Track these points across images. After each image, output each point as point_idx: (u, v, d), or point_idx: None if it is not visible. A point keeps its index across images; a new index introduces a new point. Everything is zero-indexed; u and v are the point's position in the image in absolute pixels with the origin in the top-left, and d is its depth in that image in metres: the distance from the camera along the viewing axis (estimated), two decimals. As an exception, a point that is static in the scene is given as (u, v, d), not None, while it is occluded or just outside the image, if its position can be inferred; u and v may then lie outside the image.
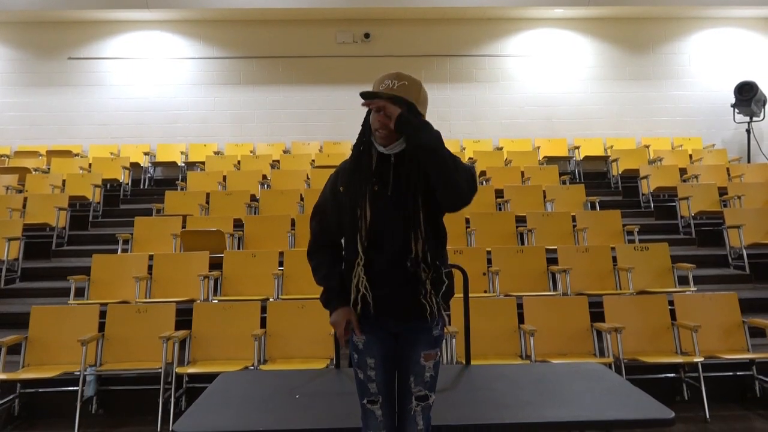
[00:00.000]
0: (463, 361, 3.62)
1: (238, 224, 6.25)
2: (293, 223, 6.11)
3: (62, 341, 4.20)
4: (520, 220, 6.27)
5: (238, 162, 8.56)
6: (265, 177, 7.89)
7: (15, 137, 9.32)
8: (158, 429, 3.85)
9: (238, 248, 5.95)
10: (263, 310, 4.37)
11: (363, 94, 1.86)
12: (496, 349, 4.13)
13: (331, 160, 8.46)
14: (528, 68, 9.87)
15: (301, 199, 6.92)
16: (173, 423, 3.86)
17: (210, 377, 3.98)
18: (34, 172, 7.97)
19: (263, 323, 4.30)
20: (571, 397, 2.57)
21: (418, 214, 1.86)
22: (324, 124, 9.63)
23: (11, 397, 4.07)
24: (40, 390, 4.15)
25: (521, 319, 4.33)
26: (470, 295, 4.66)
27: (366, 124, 1.96)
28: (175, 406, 3.96)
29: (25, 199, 6.92)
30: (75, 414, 3.87)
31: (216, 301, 4.77)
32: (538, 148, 9.25)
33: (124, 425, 4.00)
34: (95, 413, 4.11)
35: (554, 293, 4.92)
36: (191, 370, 3.97)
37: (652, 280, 5.14)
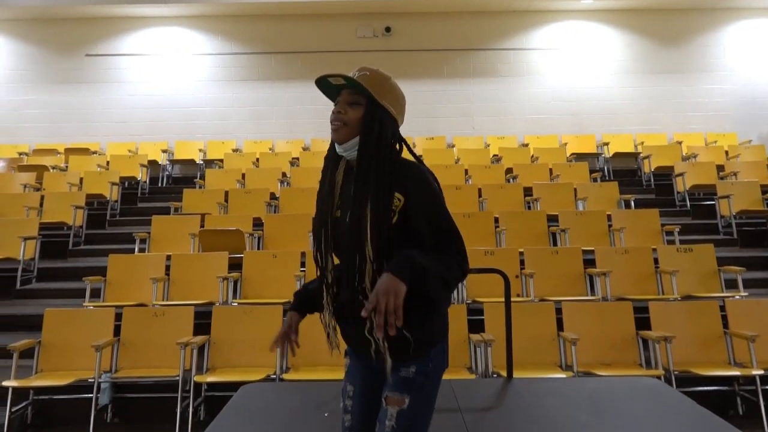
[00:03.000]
0: (503, 373, 3.37)
1: (257, 223, 6.05)
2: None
3: (76, 345, 4.02)
4: (551, 219, 5.97)
5: (257, 159, 8.37)
6: (284, 175, 7.69)
7: (33, 135, 9.23)
8: (175, 440, 3.65)
9: (258, 248, 5.74)
10: (285, 314, 4.13)
11: (317, 83, 1.62)
12: (534, 358, 3.85)
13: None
14: (554, 62, 9.54)
15: (322, 197, 6.69)
16: (193, 434, 3.67)
17: (230, 386, 3.78)
18: (51, 170, 7.86)
19: (285, 328, 4.07)
20: (633, 419, 2.30)
21: (365, 246, 1.49)
22: (343, 120, 9.38)
23: (24, 404, 3.90)
24: (54, 397, 3.98)
25: (559, 326, 4.06)
26: (500, 299, 4.41)
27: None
28: (193, 415, 3.76)
29: (42, 197, 6.79)
30: (89, 422, 3.69)
31: (236, 304, 4.56)
32: (566, 144, 8.92)
33: (141, 435, 3.81)
34: (110, 422, 3.93)
35: (593, 298, 4.63)
36: (210, 378, 3.75)
37: (698, 284, 4.81)
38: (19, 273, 5.59)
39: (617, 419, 2.27)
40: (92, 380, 3.77)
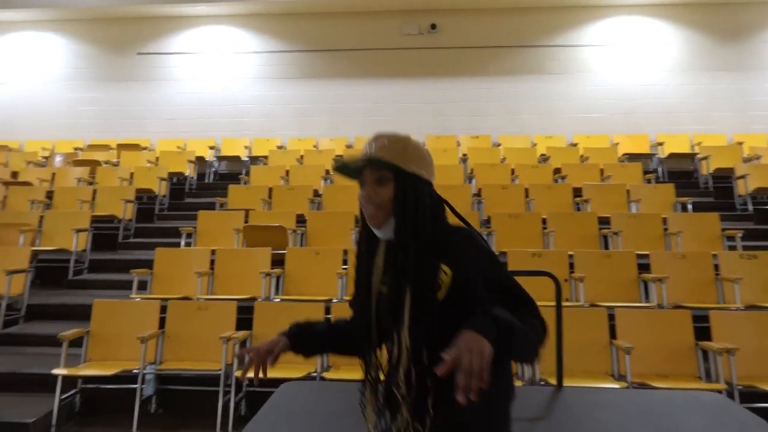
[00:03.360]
0: (551, 381, 3.23)
1: (300, 219, 6.05)
2: (357, 221, 5.84)
3: (123, 336, 4.09)
4: (602, 221, 5.74)
5: (301, 156, 8.40)
6: (327, 172, 7.68)
7: (88, 131, 9.55)
8: (217, 433, 3.66)
9: (301, 245, 5.74)
10: (326, 311, 4.11)
11: (335, 168, 1.48)
12: (584, 367, 3.68)
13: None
14: (606, 59, 9.21)
15: (365, 195, 6.64)
16: (232, 428, 3.67)
17: (270, 382, 3.76)
18: (104, 165, 8.09)
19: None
20: (697, 437, 2.12)
21: (401, 332, 1.34)
22: (387, 117, 9.34)
23: (73, 392, 4.00)
24: (101, 386, 4.06)
25: (611, 333, 3.86)
26: (547, 303, 4.25)
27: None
28: (234, 410, 3.76)
29: (95, 191, 7.00)
30: (134, 412, 3.74)
31: (278, 300, 4.55)
32: (617, 144, 8.59)
33: (183, 427, 3.83)
34: (154, 412, 3.98)
35: (647, 304, 4.40)
36: (251, 374, 3.74)
37: (762, 293, 4.51)
38: (72, 264, 5.76)
39: (680, 436, 2.11)
40: (137, 371, 3.82)
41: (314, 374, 3.68)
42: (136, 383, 3.83)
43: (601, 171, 7.31)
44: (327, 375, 3.65)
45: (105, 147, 8.98)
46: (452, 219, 1.49)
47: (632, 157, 8.15)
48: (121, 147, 8.84)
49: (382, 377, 1.43)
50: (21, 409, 3.83)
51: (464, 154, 8.32)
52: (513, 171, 7.33)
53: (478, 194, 6.64)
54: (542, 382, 3.46)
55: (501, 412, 1.46)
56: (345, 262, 4.96)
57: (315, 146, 9.08)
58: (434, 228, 1.40)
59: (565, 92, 9.24)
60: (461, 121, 9.24)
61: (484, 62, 9.36)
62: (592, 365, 3.70)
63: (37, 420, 3.69)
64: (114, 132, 9.43)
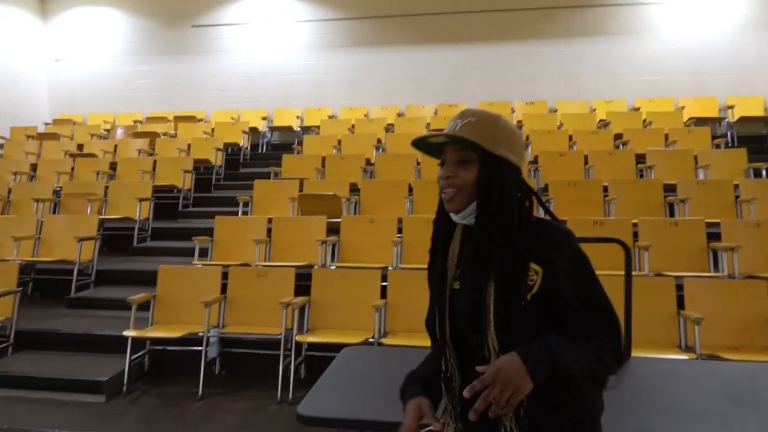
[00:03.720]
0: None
1: (353, 188, 6.06)
2: (411, 189, 5.80)
3: (187, 301, 4.23)
4: (668, 188, 5.48)
5: (352, 126, 8.37)
6: (379, 141, 7.64)
7: (146, 103, 9.82)
8: (278, 395, 3.76)
9: (354, 213, 5.75)
10: (383, 278, 4.11)
11: (414, 145, 1.33)
12: (649, 338, 3.55)
13: (448, 123, 8.01)
14: (670, 17, 8.68)
15: (417, 163, 6.58)
16: (293, 390, 3.77)
17: (329, 347, 3.83)
18: (162, 137, 8.32)
19: (383, 293, 4.05)
20: (783, 411, 2.01)
21: (487, 334, 1.23)
22: (439, 85, 9.16)
23: (142, 353, 4.19)
24: (167, 348, 4.23)
25: (679, 303, 3.70)
26: (612, 272, 4.10)
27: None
28: (294, 373, 3.85)
29: (155, 162, 7.21)
30: (199, 373, 3.89)
31: (334, 268, 4.60)
32: (683, 108, 8.13)
33: (246, 388, 3.97)
34: (218, 374, 4.13)
35: (717, 274, 4.19)
36: (310, 339, 3.81)
37: None
38: (136, 232, 5.99)
39: (764, 411, 2.00)
40: (202, 334, 3.96)
41: (372, 340, 3.71)
42: (200, 346, 3.98)
43: (666, 136, 6.95)
44: (385, 341, 3.68)
45: (163, 119, 9.22)
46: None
47: (699, 121, 7.71)
48: (178, 119, 9.06)
49: (456, 380, 1.31)
50: (95, 368, 4.05)
51: (519, 121, 8.07)
52: (571, 137, 7.07)
53: (534, 161, 6.45)
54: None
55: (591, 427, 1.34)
56: (399, 231, 4.94)
57: (365, 115, 9.03)
58: (522, 218, 1.27)
59: (626, 54, 8.78)
60: (516, 87, 8.96)
61: (540, 24, 8.99)
62: (657, 336, 3.57)
63: (110, 378, 3.90)
64: (171, 104, 9.66)
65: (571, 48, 8.91)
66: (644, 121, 7.76)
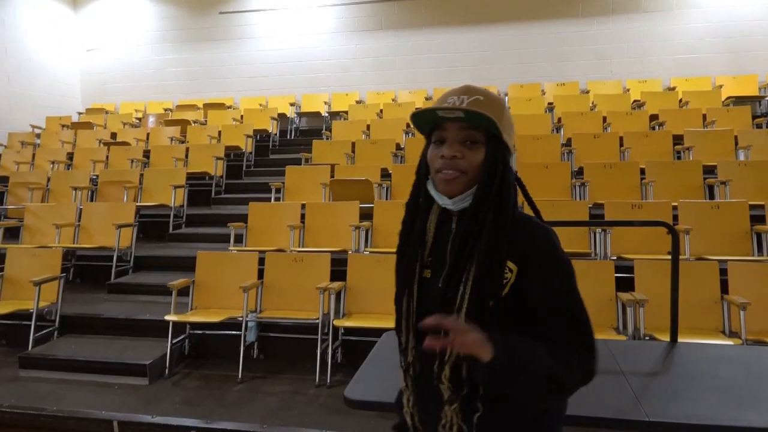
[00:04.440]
0: (657, 336, 3.11)
1: (384, 173, 6.05)
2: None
3: (225, 286, 4.30)
4: (707, 170, 5.34)
5: (381, 111, 8.34)
6: (408, 125, 7.59)
7: (176, 91, 9.93)
8: (316, 378, 3.81)
9: (386, 198, 5.75)
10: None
11: (414, 116, 1.21)
12: (691, 323, 3.48)
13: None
14: (707, -8, 8.38)
15: (448, 147, 6.52)
16: (330, 374, 3.81)
17: (366, 331, 3.86)
18: (193, 124, 8.41)
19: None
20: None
21: (483, 298, 1.16)
22: (467, 67, 9.04)
23: (182, 337, 4.28)
24: (207, 332, 4.32)
25: (722, 288, 3.63)
26: (651, 257, 4.03)
27: (423, 161, 1.26)
28: (331, 357, 3.89)
29: (187, 149, 7.30)
30: (239, 357, 3.96)
31: (367, 253, 4.61)
32: (721, 87, 7.89)
33: (284, 372, 4.03)
34: (256, 358, 4.19)
35: (762, 258, 4.09)
36: (348, 323, 3.84)
37: None
38: (171, 218, 6.09)
39: (821, 397, 1.95)
40: (241, 319, 4.02)
41: (409, 325, 3.72)
42: (239, 330, 4.04)
43: (704, 116, 6.76)
44: (422, 326, 3.68)
45: (192, 106, 9.31)
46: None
47: (738, 101, 7.47)
48: (208, 106, 9.14)
49: (415, 368, 1.26)
50: (138, 351, 4.16)
51: (550, 103, 7.94)
52: (605, 119, 6.93)
53: (567, 144, 6.35)
54: (647, 338, 3.32)
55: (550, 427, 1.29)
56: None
57: (393, 99, 8.98)
58: (514, 210, 1.19)
59: (660, 32, 8.53)
60: (546, 68, 8.80)
61: (572, 3, 8.77)
62: (700, 321, 3.50)
63: (153, 362, 3.99)
64: (200, 92, 9.75)
65: (602, 27, 8.69)
66: (680, 101, 7.56)
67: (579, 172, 5.59)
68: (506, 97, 8.42)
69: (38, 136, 8.65)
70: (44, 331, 4.45)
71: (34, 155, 7.73)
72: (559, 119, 7.14)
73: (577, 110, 7.30)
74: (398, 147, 6.85)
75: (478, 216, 1.16)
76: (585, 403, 1.85)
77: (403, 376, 1.30)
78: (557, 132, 6.92)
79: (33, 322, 4.32)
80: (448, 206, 1.21)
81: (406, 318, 1.25)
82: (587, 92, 8.33)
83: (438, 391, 1.21)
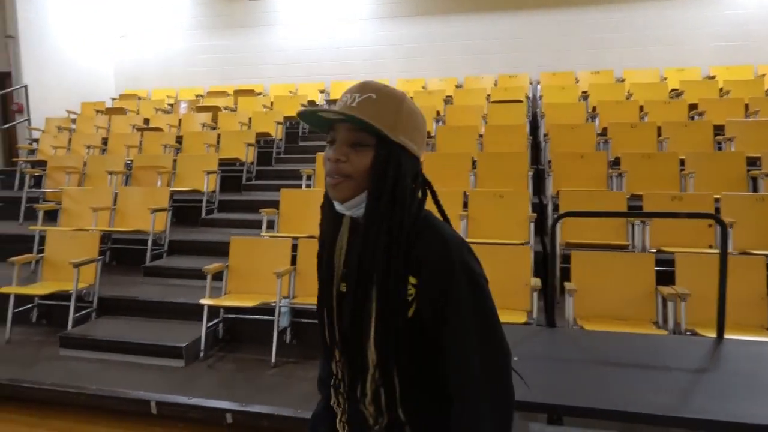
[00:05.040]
0: (699, 332, 3.03)
1: (415, 162, 6.00)
2: (474, 164, 5.70)
3: (258, 271, 4.33)
4: (750, 162, 5.17)
5: (410, 98, 8.25)
6: (438, 113, 7.52)
7: (207, 78, 10.01)
8: (348, 366, 3.83)
9: (417, 187, 5.71)
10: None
11: (300, 116, 1.14)
12: (735, 319, 3.37)
13: (509, 94, 7.82)
14: (753, -24, 8.09)
15: (480, 136, 6.45)
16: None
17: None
18: (224, 111, 8.46)
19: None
20: None
21: (366, 347, 1.11)
22: (499, 55, 8.91)
23: (216, 321, 4.34)
24: (240, 316, 4.36)
25: None
26: (692, 250, 3.93)
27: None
28: (363, 344, 3.89)
29: (218, 135, 7.36)
30: (272, 341, 4.00)
31: (399, 241, 4.59)
32: (764, 75, 7.63)
33: (316, 358, 4.04)
34: (289, 343, 4.23)
35: (809, 253, 3.95)
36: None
37: None
38: (204, 204, 6.15)
39: None
40: (274, 304, 4.05)
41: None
42: (272, 315, 4.08)
43: (746, 106, 6.55)
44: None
45: (223, 93, 9.37)
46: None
47: (783, 90, 7.21)
48: (238, 93, 9.18)
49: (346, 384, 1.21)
50: (173, 333, 4.23)
51: (584, 92, 7.78)
52: (641, 108, 6.76)
53: (603, 134, 6.22)
54: (688, 333, 3.24)
55: None
56: (465, 205, 4.87)
57: (423, 87, 8.90)
58: (413, 216, 1.10)
59: (699, 18, 8.28)
60: (579, 56, 8.62)
61: (605, -12, 8.57)
62: (745, 318, 3.41)
63: (188, 344, 4.06)
64: (231, 78, 9.81)
65: (639, 14, 8.47)
66: (720, 90, 7.33)
67: (615, 162, 5.47)
68: (538, 86, 8.29)
69: (74, 121, 8.81)
70: (83, 312, 4.56)
71: (70, 140, 7.88)
72: (594, 108, 7.00)
73: (612, 99, 7.14)
74: (428, 135, 6.79)
75: (370, 228, 1.09)
76: (632, 399, 1.82)
77: (330, 391, 1.25)
78: (592, 121, 6.77)
79: (72, 303, 4.42)
80: (345, 212, 1.15)
81: (329, 334, 1.20)
82: (623, 81, 8.13)
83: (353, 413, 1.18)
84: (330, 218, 1.19)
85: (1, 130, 9.55)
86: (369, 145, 1.09)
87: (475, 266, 1.09)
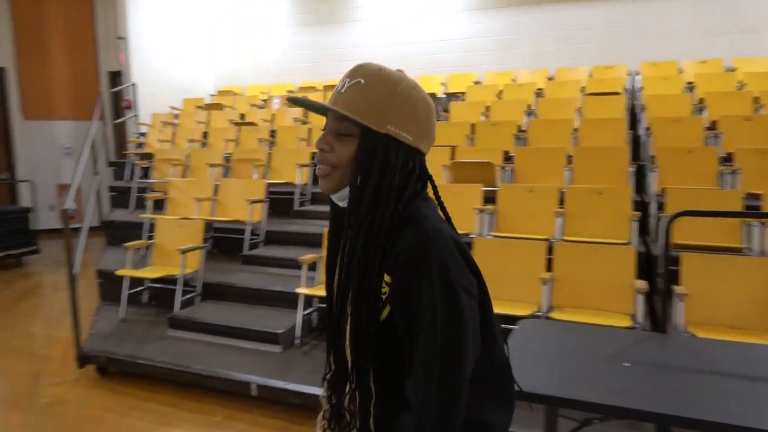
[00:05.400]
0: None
1: (506, 156, 5.89)
2: (569, 159, 5.50)
3: (350, 263, 4.41)
4: None
5: (500, 92, 8.11)
6: (529, 107, 7.32)
7: (299, 74, 10.32)
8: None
9: (509, 182, 5.60)
10: (549, 251, 3.97)
11: (290, 99, 1.13)
12: None
13: (605, 86, 7.47)
14: None
15: (574, 130, 6.22)
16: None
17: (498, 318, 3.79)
18: (314, 105, 8.67)
19: (549, 265, 3.92)
20: None
21: (344, 347, 1.07)
22: (594, 44, 8.53)
23: (311, 309, 4.47)
24: (334, 306, 4.47)
25: None
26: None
27: None
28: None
29: (310, 130, 7.57)
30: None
31: (491, 237, 4.52)
32: None
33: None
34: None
35: None
36: (475, 307, 3.80)
37: None
38: (297, 196, 6.36)
39: None
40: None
41: (539, 313, 3.61)
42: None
43: None
44: (555, 316, 3.56)
45: (312, 89, 9.61)
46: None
47: None
48: (328, 88, 9.38)
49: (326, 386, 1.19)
50: (270, 320, 4.41)
51: (689, 82, 7.29)
52: (756, 100, 6.23)
53: (711, 127, 5.80)
54: None
55: None
56: (561, 203, 4.72)
57: (513, 80, 8.69)
58: (395, 212, 1.02)
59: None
60: (683, 45, 8.07)
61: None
62: None
63: (285, 331, 4.22)
64: (321, 74, 10.04)
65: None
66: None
67: (727, 159, 5.09)
68: (637, 77, 7.86)
69: (176, 116, 9.38)
70: (188, 296, 4.86)
71: (174, 134, 8.39)
72: (701, 100, 6.54)
73: (722, 90, 6.64)
74: (520, 129, 6.63)
75: (352, 223, 1.03)
76: (751, 414, 1.69)
77: (323, 386, 1.22)
78: (698, 114, 6.33)
79: (179, 287, 4.72)
80: (336, 202, 1.11)
81: (328, 328, 1.17)
82: (733, 70, 7.54)
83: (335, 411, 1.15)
84: (332, 210, 1.17)
85: (113, 126, 10.36)
86: (353, 135, 1.04)
87: (458, 272, 0.98)
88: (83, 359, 4.35)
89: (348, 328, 1.05)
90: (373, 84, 1.03)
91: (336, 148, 1.05)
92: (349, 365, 1.06)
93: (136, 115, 9.61)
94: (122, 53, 9.84)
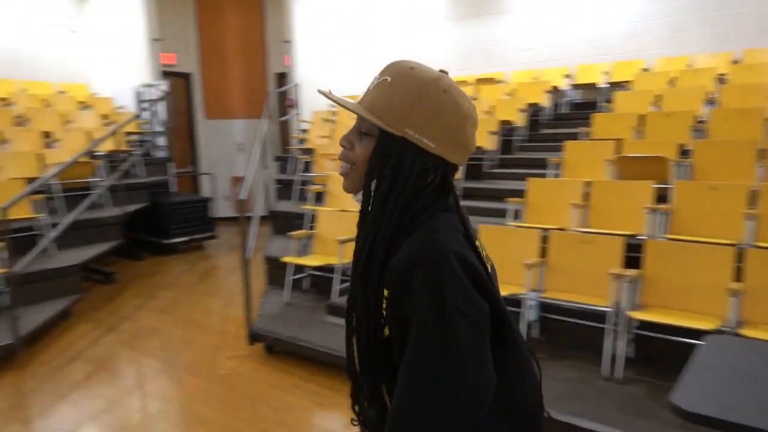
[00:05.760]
0: None
1: (682, 150, 5.30)
2: (761, 153, 4.79)
3: (503, 261, 4.27)
4: None
5: (673, 79, 7.34)
6: (709, 94, 6.52)
7: (450, 68, 10.22)
8: (605, 371, 3.57)
9: (686, 178, 5.05)
10: (738, 257, 3.49)
11: (320, 92, 1.13)
12: None
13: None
14: None
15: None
16: (623, 369, 3.52)
17: (665, 328, 3.44)
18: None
19: (737, 275, 3.45)
20: None
21: (353, 356, 1.05)
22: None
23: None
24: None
25: None
26: None
27: None
28: (622, 350, 3.58)
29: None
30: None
31: (664, 239, 4.11)
32: None
33: (566, 358, 3.87)
34: (536, 338, 4.12)
35: None
36: (645, 316, 3.47)
37: None
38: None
39: None
40: (521, 296, 3.97)
41: (724, 328, 3.19)
42: (517, 307, 4.01)
43: None
44: (743, 331, 3.12)
45: (464, 82, 9.53)
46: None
47: None
48: (480, 81, 9.25)
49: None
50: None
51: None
52: None
53: None
54: None
55: None
56: (751, 203, 4.13)
57: (688, 65, 7.81)
58: (402, 222, 0.94)
59: None
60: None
61: None
62: None
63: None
64: (472, 68, 9.91)
65: None
66: None
67: None
68: None
69: (334, 113, 9.89)
70: (345, 284, 5.08)
71: (332, 131, 8.86)
72: None
73: None
74: (698, 120, 5.94)
75: (360, 231, 1.00)
76: None
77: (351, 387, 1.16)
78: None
79: (337, 276, 4.96)
80: (358, 203, 1.06)
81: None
82: None
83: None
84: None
85: (278, 123, 11.23)
86: (372, 135, 1.00)
87: (455, 292, 0.86)
88: (253, 337, 4.76)
89: (355, 337, 1.04)
90: (399, 83, 0.99)
91: (356, 147, 1.03)
92: (360, 380, 1.06)
93: (298, 113, 10.31)
94: (287, 55, 10.61)
